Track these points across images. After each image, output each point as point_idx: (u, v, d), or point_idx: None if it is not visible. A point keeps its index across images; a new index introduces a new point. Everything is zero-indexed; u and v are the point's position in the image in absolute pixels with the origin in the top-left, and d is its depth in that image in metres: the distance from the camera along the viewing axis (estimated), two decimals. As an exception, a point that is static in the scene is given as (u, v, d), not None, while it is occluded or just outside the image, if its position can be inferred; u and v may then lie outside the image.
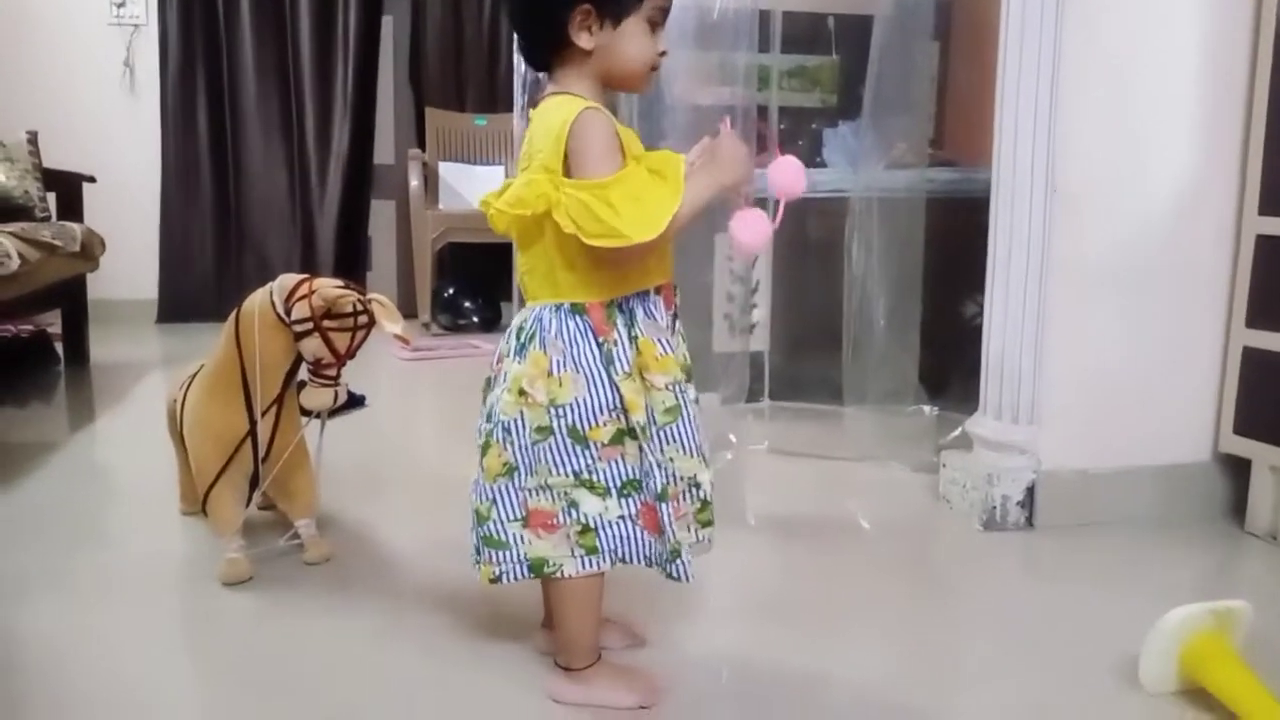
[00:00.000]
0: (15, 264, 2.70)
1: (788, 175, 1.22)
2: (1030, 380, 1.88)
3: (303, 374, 1.63)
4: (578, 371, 1.16)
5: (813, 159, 2.95)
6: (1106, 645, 1.39)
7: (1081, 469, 1.90)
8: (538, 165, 1.16)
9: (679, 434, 1.19)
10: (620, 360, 1.16)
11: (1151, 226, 1.89)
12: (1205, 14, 1.85)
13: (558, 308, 1.18)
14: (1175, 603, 1.28)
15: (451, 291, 4.39)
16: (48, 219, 3.38)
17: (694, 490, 1.21)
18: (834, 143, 2.95)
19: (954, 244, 2.23)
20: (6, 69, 4.30)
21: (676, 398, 1.19)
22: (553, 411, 1.15)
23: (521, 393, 1.16)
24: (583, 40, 1.17)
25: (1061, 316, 1.87)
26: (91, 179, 3.66)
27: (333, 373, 1.60)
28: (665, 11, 1.21)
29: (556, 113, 1.16)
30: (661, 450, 1.18)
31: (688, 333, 1.26)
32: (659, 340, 1.19)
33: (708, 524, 1.24)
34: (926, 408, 2.51)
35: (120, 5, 4.47)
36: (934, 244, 2.57)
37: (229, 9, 4.50)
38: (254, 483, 1.68)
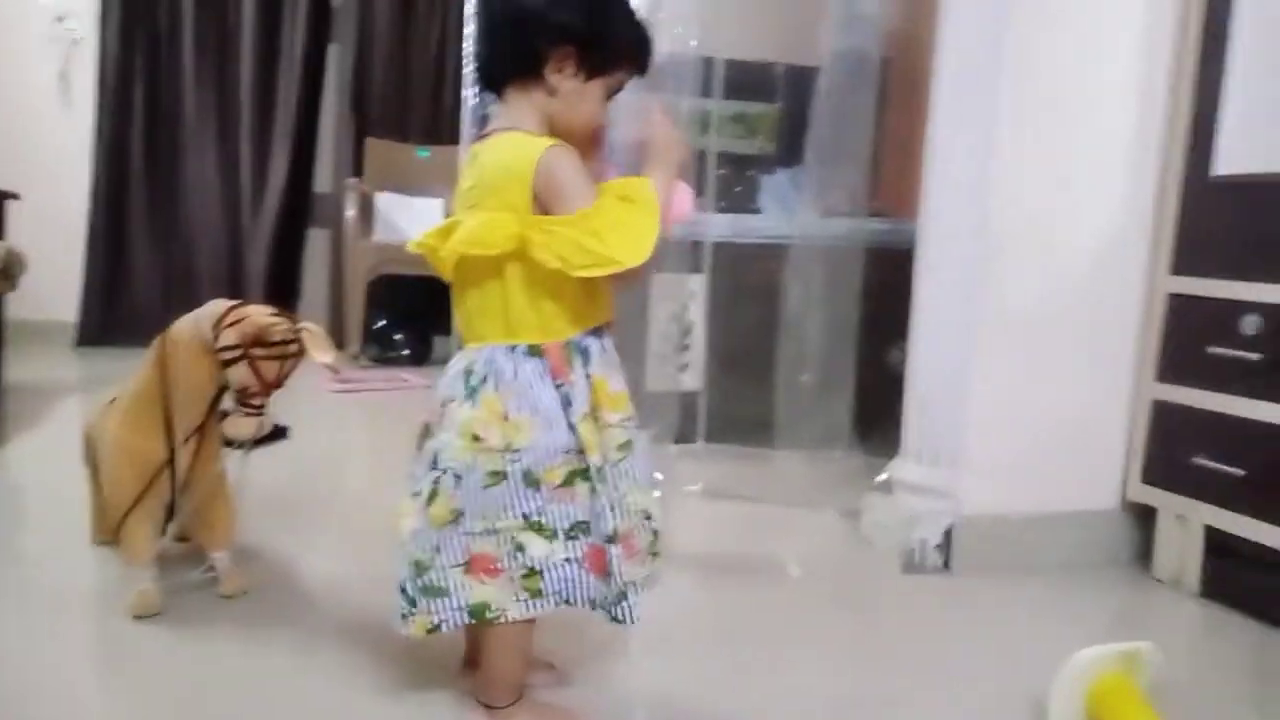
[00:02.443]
0: (-71, 280, 2.61)
1: (681, 200, 1.24)
2: (952, 424, 1.92)
3: (227, 403, 1.61)
4: (535, 414, 1.15)
5: (748, 205, 3.01)
6: (1018, 685, 1.42)
7: (999, 514, 1.94)
8: (496, 204, 1.15)
9: (631, 469, 1.19)
10: (578, 401, 1.16)
11: (1074, 277, 1.95)
12: (1135, 77, 1.92)
13: (511, 349, 1.17)
14: (1084, 645, 1.31)
15: (383, 323, 4.34)
16: (-34, 235, 3.28)
17: (646, 523, 1.21)
18: (770, 189, 3.01)
19: (888, 293, 2.29)
20: (-70, 79, 4.18)
21: (629, 433, 1.20)
22: (508, 456, 1.14)
23: (475, 438, 1.15)
24: (553, 79, 1.18)
25: (984, 362, 1.91)
26: (15, 196, 3.56)
27: (259, 402, 1.57)
28: (622, 87, 1.24)
29: (515, 151, 1.16)
30: (616, 486, 1.18)
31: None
32: (611, 376, 1.20)
33: (656, 554, 1.25)
34: (858, 452, 2.55)
35: (61, 20, 4.38)
36: (869, 293, 2.63)
37: (172, 27, 4.43)
38: (170, 512, 1.64)
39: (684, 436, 2.77)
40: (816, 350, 2.58)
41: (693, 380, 2.80)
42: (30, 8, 4.34)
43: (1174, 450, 1.91)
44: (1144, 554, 1.99)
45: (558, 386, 1.16)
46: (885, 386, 2.38)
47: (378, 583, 1.73)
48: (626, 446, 1.19)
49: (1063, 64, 1.88)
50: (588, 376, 1.18)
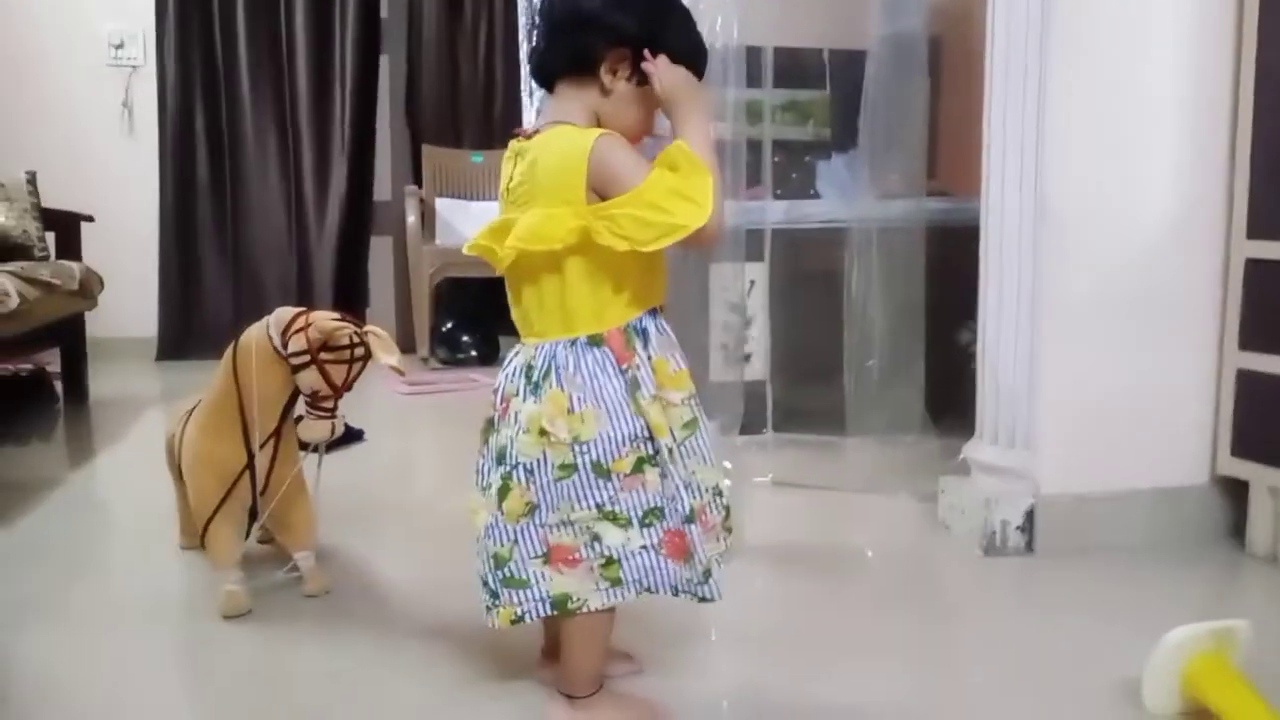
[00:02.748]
0: (14, 302, 2.71)
1: None
2: (1025, 405, 1.88)
3: (301, 408, 1.64)
4: (599, 406, 1.15)
5: (806, 191, 2.98)
6: (1109, 668, 1.39)
7: (1081, 493, 1.90)
8: (550, 199, 1.15)
9: (699, 446, 1.20)
10: (645, 383, 1.17)
11: (1141, 251, 1.90)
12: (1188, 39, 1.87)
13: (572, 343, 1.17)
14: (1175, 624, 1.28)
15: (449, 326, 4.40)
16: (46, 258, 3.40)
17: (718, 499, 1.22)
18: (827, 175, 2.98)
19: (954, 272, 2.25)
20: (6, 109, 4.34)
21: (693, 411, 1.20)
22: (576, 448, 1.15)
23: (542, 432, 1.15)
24: (606, 80, 1.19)
25: (1053, 341, 1.87)
26: (90, 218, 3.68)
27: (330, 405, 1.60)
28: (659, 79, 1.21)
29: (567, 143, 1.16)
30: (684, 465, 1.18)
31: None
32: (670, 356, 1.20)
33: (730, 530, 1.25)
34: (931, 436, 2.51)
35: (119, 46, 4.52)
36: (935, 273, 2.59)
37: (226, 50, 4.55)
38: (253, 515, 1.68)
39: (751, 427, 2.74)
40: (883, 334, 2.54)
41: (757, 370, 2.78)
42: (89, 39, 4.48)
43: (1265, 421, 1.84)
44: (1236, 529, 1.92)
45: (623, 372, 1.17)
46: (956, 367, 2.34)
47: (454, 581, 1.75)
48: (692, 425, 1.20)
49: (1116, 32, 1.84)
50: (649, 358, 1.18)
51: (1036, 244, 1.85)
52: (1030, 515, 1.88)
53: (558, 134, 1.18)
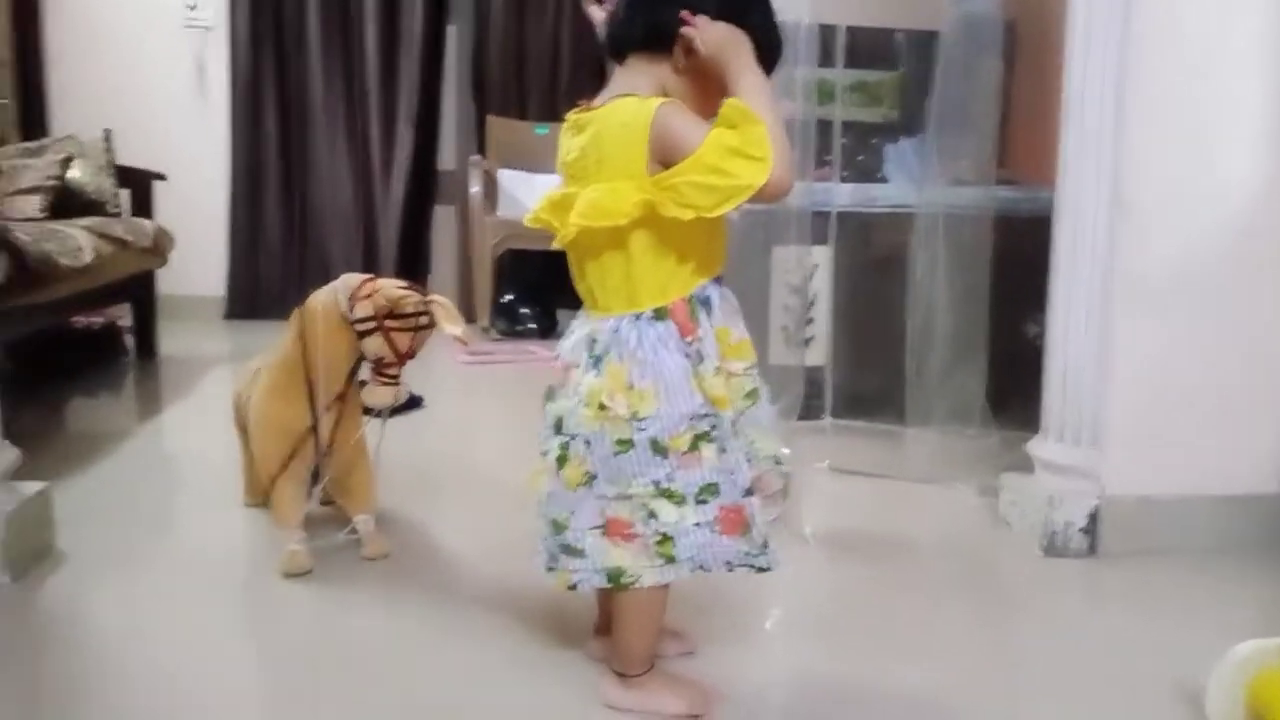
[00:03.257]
0: (88, 257, 2.78)
1: None
2: (1093, 401, 1.84)
3: (365, 373, 1.66)
4: (659, 382, 1.15)
5: (873, 174, 2.94)
6: (1169, 676, 1.36)
7: (1147, 495, 1.85)
8: (612, 173, 1.14)
9: (758, 416, 1.21)
10: (709, 356, 1.16)
11: (1222, 240, 1.84)
12: (1272, 24, 1.80)
13: (636, 318, 1.17)
14: (1242, 636, 1.24)
15: (510, 297, 4.43)
16: (120, 215, 3.48)
17: (776, 467, 1.23)
18: (895, 158, 2.93)
19: (1020, 263, 2.20)
20: (85, 69, 4.43)
21: (754, 381, 1.20)
22: (635, 425, 1.15)
23: (601, 407, 1.15)
24: (678, 58, 1.17)
25: (1126, 335, 1.83)
26: (162, 177, 3.75)
27: (394, 372, 1.63)
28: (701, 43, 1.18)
29: (629, 114, 1.15)
30: (743, 436, 1.18)
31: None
32: (734, 325, 1.20)
33: (786, 497, 1.26)
34: (992, 429, 2.47)
35: (193, 9, 4.58)
36: (1001, 262, 2.54)
37: (298, 14, 4.59)
38: (316, 477, 1.71)
39: (810, 413, 2.72)
40: (946, 323, 2.49)
41: (818, 355, 2.75)
42: (167, 1, 4.55)
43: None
44: (1310, 539, 1.87)
45: (687, 345, 1.16)
46: (1020, 359, 2.30)
47: (510, 549, 1.77)
48: (753, 395, 1.20)
49: (1200, 16, 1.78)
50: (712, 328, 1.18)
51: (1111, 233, 1.80)
52: (1094, 516, 1.84)
53: (620, 106, 1.17)
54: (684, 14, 1.16)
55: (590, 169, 1.17)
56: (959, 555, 1.91)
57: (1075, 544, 1.84)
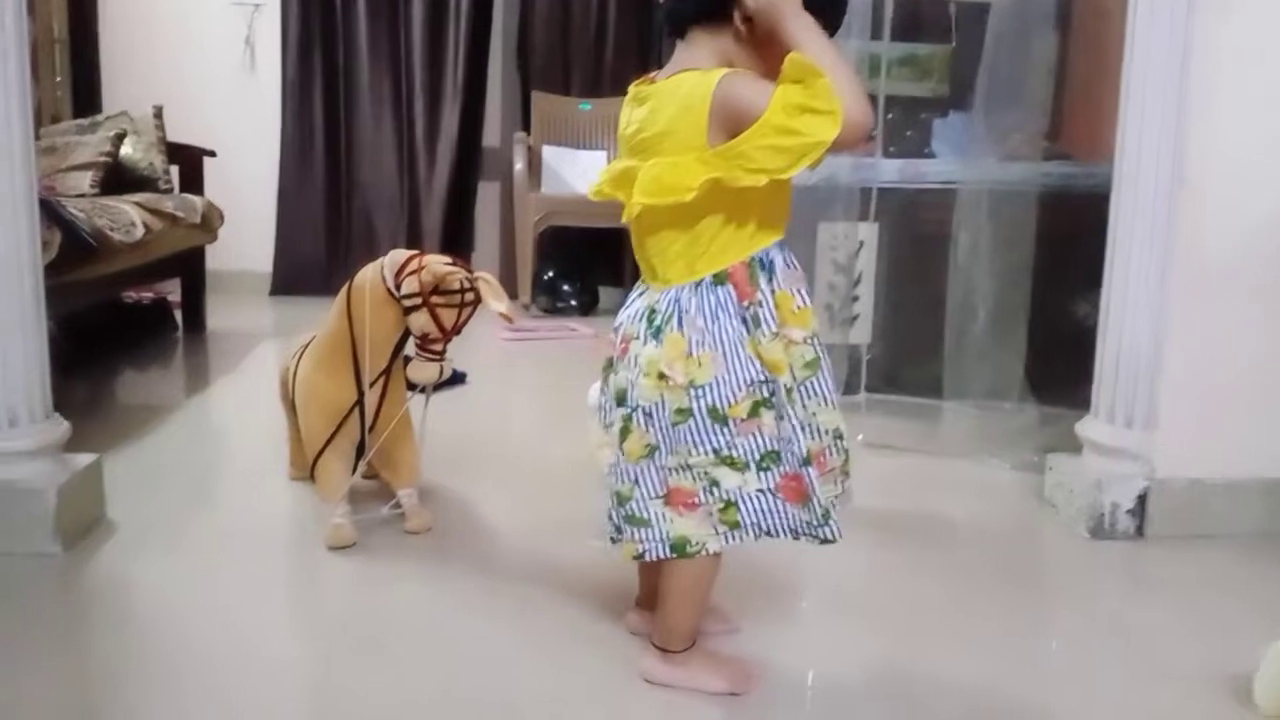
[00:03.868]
0: (140, 233, 2.83)
1: None
2: (1147, 383, 1.80)
3: (410, 349, 1.67)
4: (716, 349, 1.15)
5: (921, 149, 2.89)
6: (1219, 665, 1.33)
7: (1198, 478, 1.82)
8: (673, 147, 1.13)
9: (820, 387, 1.18)
10: (766, 321, 1.15)
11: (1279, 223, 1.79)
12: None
13: (696, 285, 1.16)
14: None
15: (551, 274, 4.43)
16: (170, 191, 3.53)
17: (838, 442, 1.20)
18: (943, 133, 2.88)
19: (1067, 240, 2.15)
20: (136, 46, 4.48)
21: (815, 350, 1.18)
22: (693, 393, 1.15)
23: (661, 376, 1.15)
24: (739, 26, 1.15)
25: (1183, 315, 1.79)
26: (212, 153, 3.79)
27: (439, 348, 1.63)
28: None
29: (690, 87, 1.13)
30: (804, 406, 1.17)
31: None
32: (796, 291, 1.18)
33: (848, 474, 1.24)
34: (1030, 405, 2.44)
35: (242, -14, 4.62)
36: (1045, 239, 2.49)
37: (346, -9, 4.61)
38: (360, 451, 1.73)
39: (845, 388, 2.70)
40: (988, 298, 2.45)
41: (861, 333, 2.72)
42: (216, -23, 4.59)
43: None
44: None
45: (745, 309, 1.15)
46: (1062, 336, 2.26)
47: (551, 524, 1.78)
48: (814, 364, 1.18)
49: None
50: (772, 292, 1.16)
51: (1171, 211, 1.76)
52: (1142, 498, 1.81)
53: (682, 80, 1.16)
54: None
55: (650, 143, 1.16)
56: (1002, 536, 1.88)
57: (1122, 526, 1.81)
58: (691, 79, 1.15)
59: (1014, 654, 1.41)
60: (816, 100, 1.07)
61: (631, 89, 1.23)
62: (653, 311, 1.19)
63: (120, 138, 3.41)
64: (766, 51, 1.16)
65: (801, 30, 1.11)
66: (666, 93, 1.16)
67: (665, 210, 1.15)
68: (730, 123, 1.11)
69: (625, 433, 1.19)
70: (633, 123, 1.20)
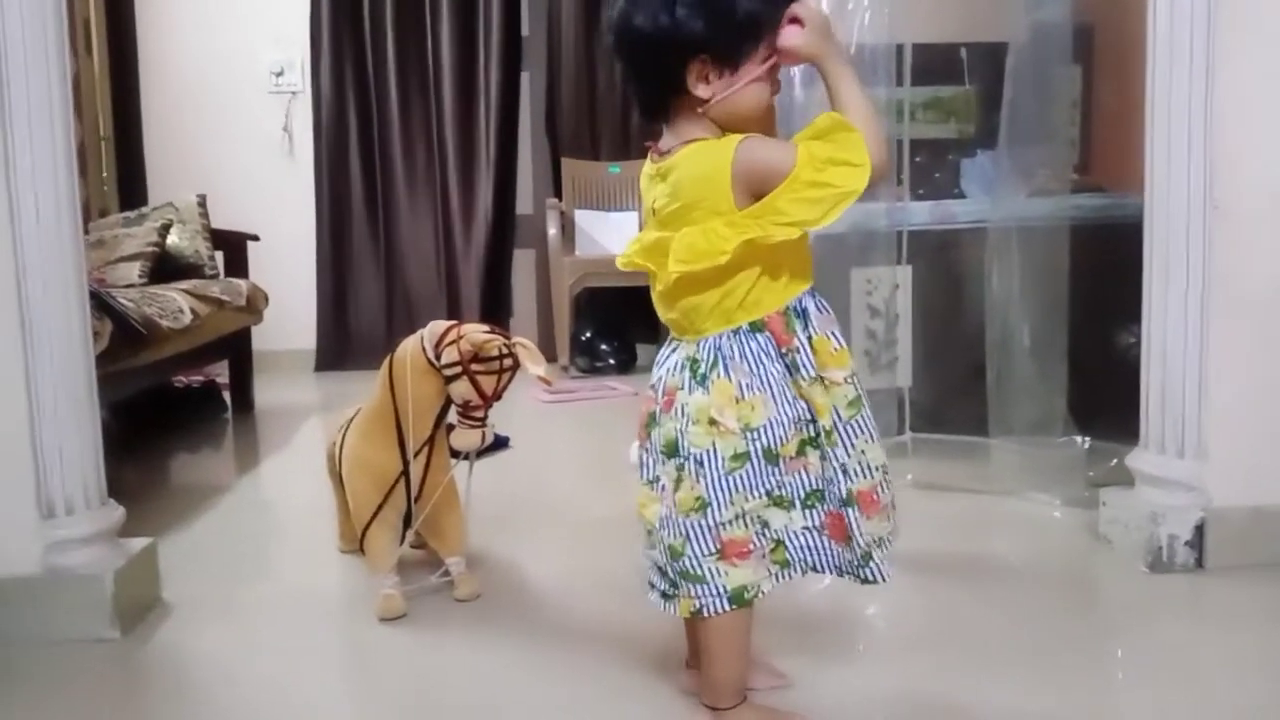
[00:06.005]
0: (188, 319, 2.90)
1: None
2: (1194, 411, 1.77)
3: (451, 417, 1.69)
4: (764, 391, 1.17)
5: (950, 190, 2.90)
6: (1290, 695, 1.29)
7: (1256, 506, 1.78)
8: (701, 215, 1.15)
9: (865, 425, 1.19)
10: (805, 366, 1.17)
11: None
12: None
13: (735, 332, 1.18)
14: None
15: (589, 335, 4.47)
16: (216, 276, 3.62)
17: (887, 478, 1.21)
18: (972, 173, 2.89)
19: (1103, 271, 2.14)
20: (178, 136, 4.65)
21: (856, 389, 1.19)
22: (749, 435, 1.16)
23: (712, 422, 1.17)
24: (700, 90, 1.16)
25: (1226, 342, 1.76)
26: (256, 238, 3.90)
27: (480, 414, 1.65)
28: (776, 54, 1.17)
29: (707, 157, 1.15)
30: (851, 445, 1.18)
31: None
32: (831, 335, 1.19)
33: (894, 508, 1.24)
34: (1077, 438, 2.40)
35: (279, 74, 4.78)
36: (1080, 271, 2.47)
37: (378, 73, 4.75)
38: (407, 521, 1.74)
39: (888, 429, 2.68)
40: (1027, 333, 2.44)
41: (903, 376, 2.71)
42: (253, 68, 4.76)
43: None
44: None
45: (784, 356, 1.17)
46: (1104, 367, 2.23)
47: (598, 584, 1.78)
48: (857, 403, 1.19)
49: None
50: (809, 339, 1.18)
51: (1208, 239, 1.75)
52: (1200, 529, 1.76)
53: (695, 150, 1.17)
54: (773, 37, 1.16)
55: (679, 215, 1.18)
56: (1060, 573, 1.85)
57: (1181, 559, 1.77)
58: (704, 149, 1.17)
59: (1081, 690, 1.37)
60: (845, 152, 1.10)
61: (648, 165, 1.24)
62: (694, 361, 1.20)
63: (166, 228, 3.52)
64: (743, 97, 1.17)
65: (842, 80, 1.15)
66: (683, 164, 1.18)
67: (702, 274, 1.16)
68: (755, 185, 1.13)
69: (679, 484, 1.19)
70: (659, 197, 1.21)
